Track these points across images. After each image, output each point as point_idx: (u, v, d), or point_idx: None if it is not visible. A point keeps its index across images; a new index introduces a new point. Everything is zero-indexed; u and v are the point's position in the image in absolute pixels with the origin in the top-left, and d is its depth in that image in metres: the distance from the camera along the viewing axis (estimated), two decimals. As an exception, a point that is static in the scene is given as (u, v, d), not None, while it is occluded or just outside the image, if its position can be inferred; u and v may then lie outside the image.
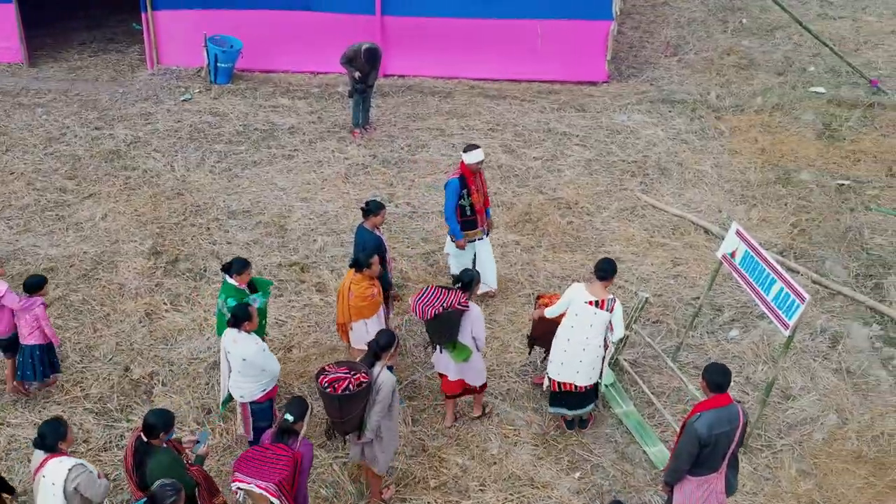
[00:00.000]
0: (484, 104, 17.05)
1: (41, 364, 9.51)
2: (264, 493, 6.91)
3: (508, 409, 9.73)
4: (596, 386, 9.15)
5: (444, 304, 8.63)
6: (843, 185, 14.13)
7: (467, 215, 10.80)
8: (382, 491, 8.62)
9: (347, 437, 8.20)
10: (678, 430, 9.17)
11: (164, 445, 7.18)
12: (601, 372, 9.05)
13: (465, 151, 10.65)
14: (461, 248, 10.93)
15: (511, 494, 8.65)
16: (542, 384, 9.76)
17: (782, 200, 13.70)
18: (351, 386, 7.67)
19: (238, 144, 15.38)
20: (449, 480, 8.82)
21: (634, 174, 14.52)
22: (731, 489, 7.45)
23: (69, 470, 6.90)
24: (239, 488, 7.06)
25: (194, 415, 9.56)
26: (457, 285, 8.88)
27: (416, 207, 13.54)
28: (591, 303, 8.75)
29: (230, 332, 8.44)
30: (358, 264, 9.11)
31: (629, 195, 13.89)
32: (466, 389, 9.31)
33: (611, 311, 8.77)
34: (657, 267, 12.15)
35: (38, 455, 7.07)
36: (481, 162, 10.68)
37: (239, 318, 8.35)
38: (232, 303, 8.92)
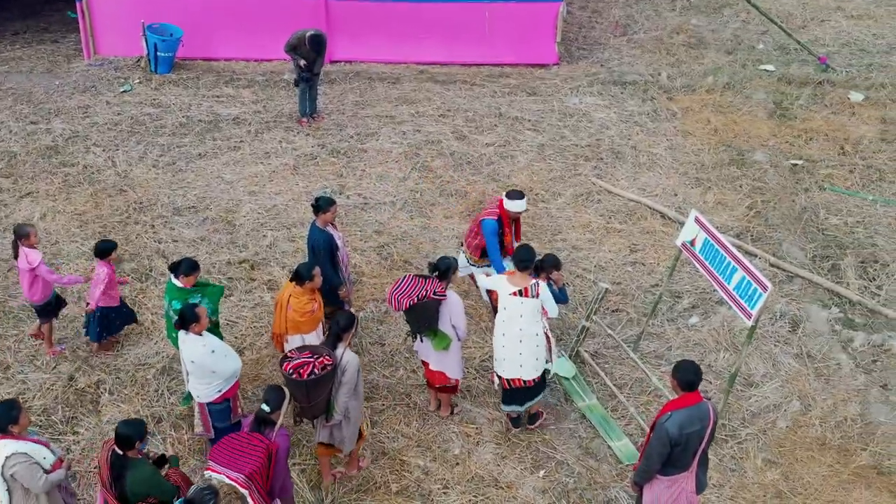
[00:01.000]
0: (433, 89, 16.74)
1: (99, 326, 9.88)
2: (234, 484, 6.80)
3: (469, 407, 9.50)
4: (543, 378, 8.92)
5: (420, 294, 8.37)
6: (796, 165, 14.08)
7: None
8: (360, 460, 8.63)
9: (315, 420, 8.07)
10: (646, 427, 9.08)
11: (140, 456, 7.03)
12: (548, 361, 8.81)
13: (508, 197, 10.00)
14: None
15: (475, 496, 8.44)
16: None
17: (737, 182, 13.61)
18: (316, 370, 7.59)
19: (181, 137, 14.89)
20: (411, 484, 8.58)
21: (588, 158, 14.33)
22: (701, 487, 7.30)
23: (6, 458, 6.72)
24: (211, 477, 6.93)
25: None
26: (433, 273, 8.59)
27: (368, 198, 13.21)
28: (514, 293, 8.50)
29: (180, 334, 8.13)
30: (299, 277, 8.69)
31: (584, 180, 13.70)
32: (445, 388, 9.06)
33: (536, 296, 8.51)
34: (614, 254, 11.98)
35: None
36: (522, 211, 10.15)
37: (186, 319, 8.01)
38: (177, 306, 8.60)
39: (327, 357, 7.72)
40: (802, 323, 10.69)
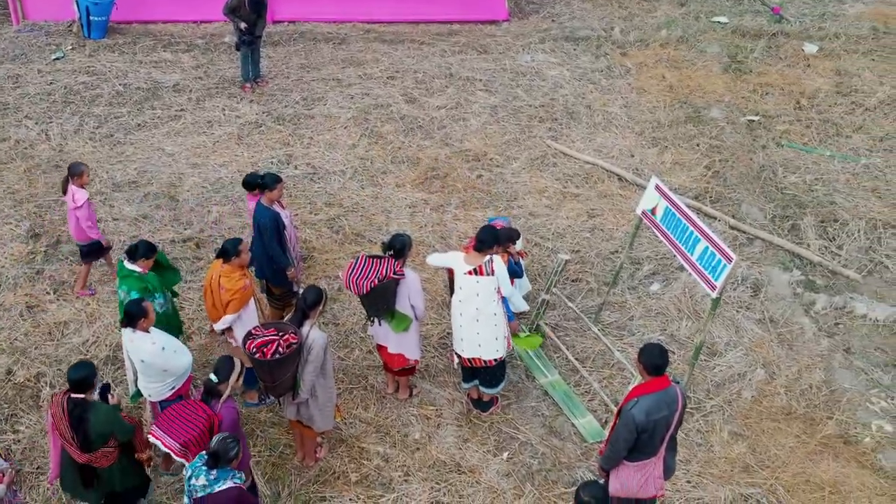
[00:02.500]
0: (381, 49, 16.21)
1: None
2: (169, 451, 6.62)
3: (428, 387, 9.20)
4: (503, 364, 8.63)
5: (380, 276, 8.00)
6: (752, 121, 13.86)
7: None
8: (316, 451, 8.34)
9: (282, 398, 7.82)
10: (609, 402, 8.89)
11: (96, 398, 6.99)
12: (508, 343, 8.52)
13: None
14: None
15: (437, 483, 8.16)
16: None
17: (694, 141, 13.36)
18: (281, 348, 7.30)
19: (119, 106, 14.24)
20: (371, 472, 8.28)
21: (542, 119, 13.97)
22: (669, 472, 7.08)
23: None
24: (151, 442, 6.80)
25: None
26: (388, 253, 8.20)
27: (317, 168, 12.74)
28: (469, 272, 8.12)
29: (126, 332, 7.64)
30: (225, 253, 8.22)
31: (539, 143, 13.35)
32: (405, 370, 8.75)
33: (492, 273, 8.12)
34: (572, 220, 11.69)
35: None
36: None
37: (133, 315, 7.51)
38: (135, 296, 8.12)
39: (293, 335, 7.40)
40: (764, 287, 10.52)
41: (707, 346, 9.66)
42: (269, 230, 9.06)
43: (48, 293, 10.32)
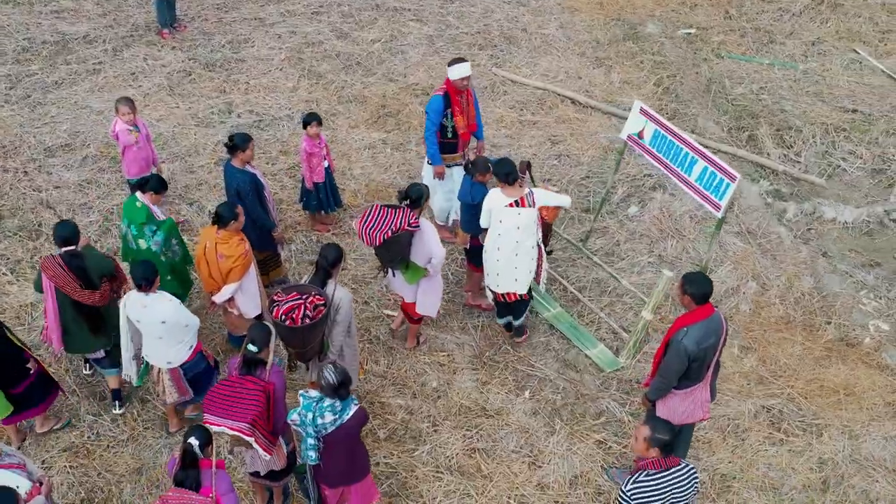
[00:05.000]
0: (298, -17, 15.46)
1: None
2: (238, 433, 6.21)
3: (435, 334, 9.01)
4: (530, 292, 8.58)
5: (394, 227, 7.66)
6: (689, 34, 13.92)
7: (448, 138, 9.44)
8: None
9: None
10: (618, 329, 8.91)
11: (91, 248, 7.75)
12: (538, 276, 8.47)
13: (449, 65, 9.19)
14: (439, 175, 9.63)
15: (468, 430, 8.05)
16: (476, 306, 9.16)
17: (637, 59, 13.34)
18: (308, 311, 6.96)
19: (28, 64, 13.16)
20: (398, 427, 8.09)
21: (482, 47, 13.67)
22: (713, 395, 7.17)
23: None
24: (215, 431, 6.30)
25: (86, 406, 8.21)
26: (404, 202, 7.86)
27: (261, 115, 12.14)
28: (511, 204, 8.02)
29: (136, 297, 7.21)
30: (221, 219, 7.74)
31: (484, 72, 13.07)
32: (410, 318, 8.57)
33: (533, 206, 8.07)
34: (536, 148, 11.55)
35: None
36: (468, 78, 9.19)
37: (149, 279, 7.15)
38: (134, 231, 7.96)
39: (317, 296, 7.05)
40: (737, 199, 10.67)
41: (696, 264, 9.78)
42: (250, 193, 8.56)
43: (5, 274, 9.56)
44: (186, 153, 11.37)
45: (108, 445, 7.87)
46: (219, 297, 7.92)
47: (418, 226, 7.77)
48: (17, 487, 5.85)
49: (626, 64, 13.22)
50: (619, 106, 12.33)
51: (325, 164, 9.64)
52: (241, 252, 7.77)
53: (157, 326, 7.17)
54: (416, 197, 7.80)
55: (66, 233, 7.48)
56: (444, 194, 9.85)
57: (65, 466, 7.66)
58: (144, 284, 7.12)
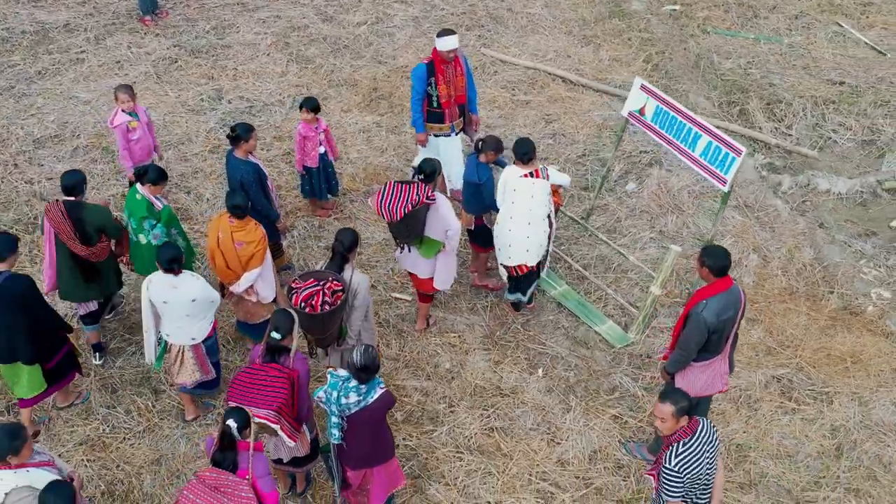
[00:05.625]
0: (279, -33, 15.29)
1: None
2: (265, 421, 6.22)
3: (443, 315, 9.03)
4: (539, 267, 8.65)
5: (412, 201, 7.70)
6: (674, 10, 13.98)
7: (433, 107, 9.54)
8: None
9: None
10: (626, 304, 8.98)
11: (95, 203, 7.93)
12: (546, 251, 8.55)
13: (437, 36, 9.31)
14: (421, 143, 9.81)
15: (485, 409, 8.09)
16: (483, 286, 9.19)
17: (624, 36, 13.38)
18: (327, 297, 7.00)
19: (9, 54, 12.92)
20: (414, 409, 8.11)
21: (469, 27, 13.63)
22: (731, 367, 7.25)
23: (6, 494, 5.65)
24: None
25: (98, 399, 8.13)
26: (418, 177, 7.90)
27: (252, 101, 12.04)
28: (525, 175, 8.20)
29: (163, 279, 7.25)
30: (238, 210, 7.67)
31: (473, 52, 13.04)
32: (428, 294, 8.62)
33: (547, 178, 8.27)
34: (530, 128, 11.57)
35: None
36: (454, 50, 9.27)
37: (176, 260, 7.23)
38: (134, 224, 7.97)
39: (334, 282, 7.06)
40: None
41: (697, 238, 9.87)
42: (254, 184, 8.50)
43: (5, 268, 9.43)
44: (179, 141, 11.26)
45: (124, 437, 7.82)
46: (239, 287, 7.83)
47: (434, 199, 7.83)
48: None
49: (614, 41, 13.25)
50: (611, 84, 12.38)
51: (322, 149, 9.59)
52: (259, 236, 7.73)
53: (187, 305, 7.27)
54: (429, 171, 7.89)
55: (70, 182, 7.74)
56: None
57: (82, 460, 7.61)
58: (177, 267, 7.20)
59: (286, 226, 9.16)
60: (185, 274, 7.32)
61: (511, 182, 8.21)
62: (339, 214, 10.19)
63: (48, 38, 13.30)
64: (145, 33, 13.42)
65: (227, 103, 11.96)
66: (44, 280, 8.06)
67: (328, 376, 6.34)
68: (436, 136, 9.76)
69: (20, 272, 7.46)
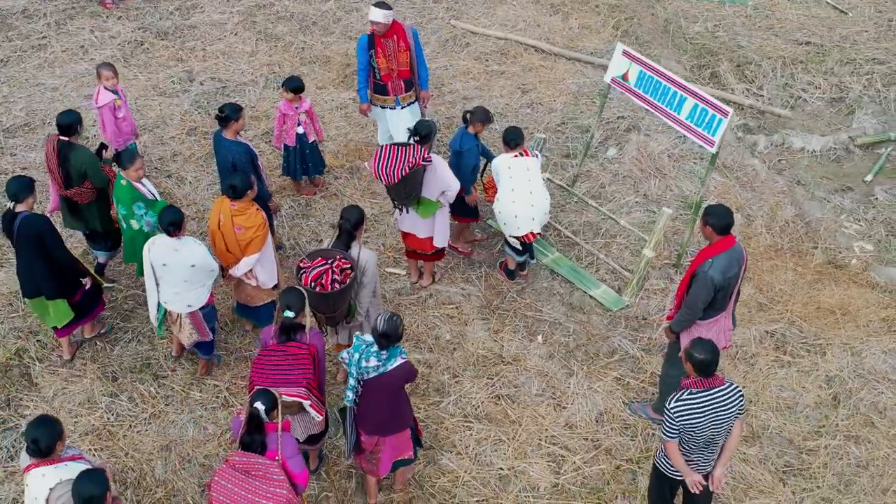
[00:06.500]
0: (237, -55, 15.06)
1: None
2: (297, 398, 6.28)
3: (439, 288, 9.07)
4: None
5: (409, 163, 7.79)
6: (638, -24, 14.07)
7: (376, 78, 9.56)
8: None
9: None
10: (620, 269, 9.09)
11: (82, 144, 8.21)
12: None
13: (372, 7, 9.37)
14: (363, 112, 9.87)
15: (489, 378, 8.16)
16: (454, 248, 9.27)
17: (591, 3, 13.46)
18: (336, 275, 7.03)
19: (-33, 43, 12.61)
20: (420, 381, 8.14)
21: (436, 0, 13.60)
22: (734, 323, 7.41)
23: (51, 490, 5.63)
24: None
25: (100, 387, 8.04)
26: (414, 139, 7.98)
27: (225, 81, 11.89)
28: (515, 156, 8.40)
29: (165, 242, 7.32)
30: (235, 191, 7.59)
31: (443, 24, 13.02)
32: (436, 253, 8.75)
33: (536, 157, 8.54)
34: (507, 98, 11.61)
35: (24, 457, 5.76)
36: (380, 24, 9.20)
37: (176, 223, 7.27)
38: (124, 211, 7.85)
39: (342, 260, 7.08)
40: (710, 136, 10.92)
41: (681, 200, 10.02)
42: (246, 164, 8.41)
43: (-12, 261, 9.27)
44: (154, 125, 11.10)
45: (130, 425, 7.75)
46: (237, 270, 7.80)
47: (430, 161, 7.90)
48: None
49: (582, 9, 13.32)
50: (582, 51, 12.45)
51: (301, 130, 9.52)
52: (259, 222, 7.67)
53: (186, 270, 7.31)
54: (425, 133, 7.99)
55: (66, 121, 8.08)
56: (382, 133, 10.14)
57: (89, 450, 7.52)
58: (173, 230, 7.22)
59: (278, 205, 9.11)
60: (188, 238, 7.38)
61: (504, 163, 8.40)
62: (324, 192, 10.15)
63: (7, 25, 12.97)
64: (107, 16, 13.15)
65: (200, 85, 11.80)
66: (50, 200, 8.60)
67: (354, 339, 6.40)
68: (381, 107, 9.83)
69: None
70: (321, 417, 6.50)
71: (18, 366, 8.26)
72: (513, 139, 8.40)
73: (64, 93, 11.66)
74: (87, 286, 7.93)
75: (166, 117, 11.21)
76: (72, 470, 5.58)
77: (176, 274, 7.34)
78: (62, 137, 8.08)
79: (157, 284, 7.53)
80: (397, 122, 9.77)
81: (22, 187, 7.47)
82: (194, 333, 7.68)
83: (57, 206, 8.53)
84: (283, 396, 6.08)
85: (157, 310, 7.66)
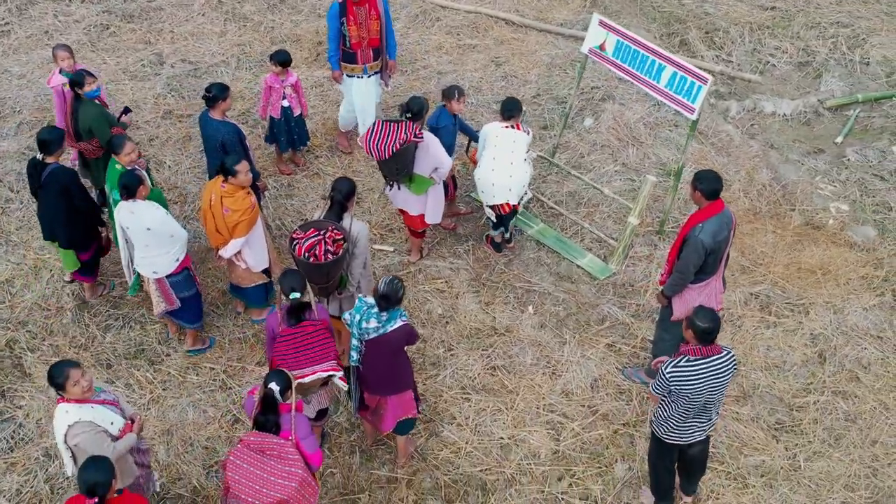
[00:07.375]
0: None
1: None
2: (331, 372, 6.50)
3: (428, 263, 9.14)
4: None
5: (400, 139, 7.84)
6: (603, -54, 14.13)
7: (346, 46, 9.56)
8: None
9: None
10: (605, 237, 9.22)
11: (93, 101, 8.42)
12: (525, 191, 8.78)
13: None
14: (336, 79, 9.89)
15: (484, 350, 8.27)
16: (451, 228, 9.34)
17: (559, -26, 13.51)
18: (329, 246, 7.10)
19: (-73, 31, 12.34)
20: (414, 356, 8.21)
21: (403, -26, 13.55)
22: (724, 286, 7.57)
23: (69, 426, 5.81)
24: (301, 384, 6.40)
25: (94, 374, 8.00)
26: (405, 115, 8.02)
27: (196, 63, 11.78)
28: (506, 127, 8.50)
29: (125, 206, 7.38)
30: (226, 172, 7.60)
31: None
32: (424, 231, 8.86)
33: (528, 134, 8.57)
34: (481, 72, 11.65)
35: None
36: None
37: (132, 186, 7.36)
38: (116, 196, 7.79)
39: (335, 231, 7.13)
40: (683, 103, 11.06)
41: (660, 167, 10.17)
42: (236, 144, 8.41)
43: (-31, 252, 9.15)
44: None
45: (128, 411, 7.73)
46: (226, 252, 7.82)
47: (422, 137, 7.95)
48: (112, 424, 5.94)
49: (549, -20, 13.37)
50: (552, 22, 12.52)
51: (286, 103, 9.53)
52: (247, 206, 7.66)
53: (144, 234, 7.41)
54: (417, 109, 8.04)
55: (75, 77, 8.40)
56: (346, 105, 10.19)
57: (90, 438, 7.50)
58: (124, 194, 7.31)
59: (266, 184, 9.10)
60: (146, 203, 7.43)
61: (493, 131, 8.51)
62: (306, 171, 10.14)
63: (-34, 12, 12.71)
64: (70, 0, 12.93)
65: (171, 67, 11.68)
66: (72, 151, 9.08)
67: (357, 301, 6.52)
68: (349, 76, 9.83)
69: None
70: (346, 385, 6.62)
71: (10, 357, 8.20)
72: (507, 110, 8.47)
73: (32, 79, 11.48)
74: (104, 237, 8.34)
75: (139, 101, 11.09)
76: (95, 413, 5.72)
77: (136, 238, 7.48)
78: (76, 90, 8.37)
79: (132, 248, 7.65)
80: (363, 92, 9.80)
81: (54, 140, 7.73)
82: (162, 302, 7.80)
83: (76, 157, 9.03)
84: (320, 375, 6.16)
85: (134, 273, 7.84)
